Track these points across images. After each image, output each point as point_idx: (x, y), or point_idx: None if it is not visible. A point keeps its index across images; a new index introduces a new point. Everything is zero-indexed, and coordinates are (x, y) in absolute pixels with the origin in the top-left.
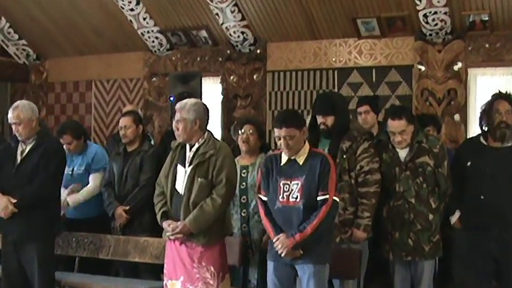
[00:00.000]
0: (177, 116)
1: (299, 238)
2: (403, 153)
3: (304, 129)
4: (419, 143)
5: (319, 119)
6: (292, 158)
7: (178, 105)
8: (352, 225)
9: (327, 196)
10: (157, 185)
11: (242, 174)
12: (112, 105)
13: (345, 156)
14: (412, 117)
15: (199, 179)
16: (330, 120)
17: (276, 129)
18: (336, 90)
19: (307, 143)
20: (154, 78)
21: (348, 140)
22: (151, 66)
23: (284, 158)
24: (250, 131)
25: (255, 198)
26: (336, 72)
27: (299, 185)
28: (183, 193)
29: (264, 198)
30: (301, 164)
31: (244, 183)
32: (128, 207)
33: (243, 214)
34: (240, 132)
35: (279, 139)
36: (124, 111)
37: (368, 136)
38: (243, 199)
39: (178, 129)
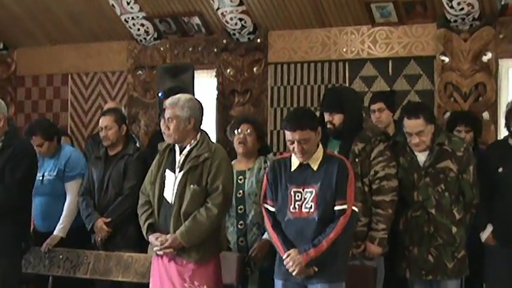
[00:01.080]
0: (168, 113)
1: (314, 254)
2: (422, 157)
3: (319, 130)
4: (440, 145)
5: (326, 117)
6: (305, 162)
7: (169, 101)
8: (365, 238)
9: (345, 206)
10: (142, 193)
11: (238, 181)
12: (91, 102)
13: (357, 159)
14: (431, 116)
15: (191, 186)
16: (337, 119)
17: (288, 132)
18: (347, 84)
19: (320, 145)
20: (139, 71)
21: (361, 142)
22: (137, 58)
23: (295, 162)
24: (248, 130)
25: (253, 208)
26: (347, 65)
27: (313, 193)
28: (172, 202)
29: (271, 209)
30: (315, 169)
31: (241, 191)
32: (109, 219)
33: (239, 226)
34: (236, 132)
35: (292, 143)
36: (105, 109)
37: (383, 137)
38: (240, 209)
39: (168, 128)
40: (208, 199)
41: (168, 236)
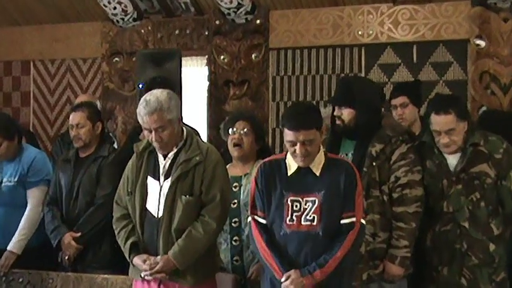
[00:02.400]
0: (155, 122)
1: (320, 276)
2: (453, 160)
3: (322, 129)
4: (474, 146)
5: (335, 112)
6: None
7: (149, 109)
8: (384, 257)
9: (354, 219)
10: (117, 204)
11: (233, 189)
12: (58, 94)
13: (374, 163)
14: (463, 111)
15: (183, 196)
16: (347, 114)
17: (289, 132)
18: (362, 74)
19: (321, 146)
20: (116, 59)
21: (379, 142)
22: (113, 42)
23: (292, 166)
24: (245, 129)
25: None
26: (363, 50)
27: (316, 203)
28: (159, 216)
29: (262, 221)
30: (317, 174)
31: (235, 201)
32: (79, 234)
33: (234, 243)
34: (230, 131)
35: (293, 144)
36: (75, 104)
37: (406, 137)
38: (234, 222)
39: (161, 138)
40: (203, 211)
41: (159, 257)
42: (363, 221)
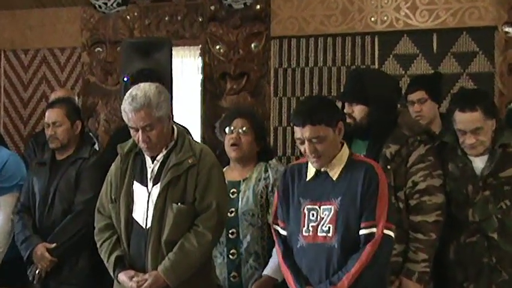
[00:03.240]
0: (142, 120)
1: None
2: (479, 163)
3: (340, 126)
4: (504, 148)
5: (345, 108)
6: (323, 170)
7: (135, 105)
8: (400, 272)
9: (374, 229)
10: (99, 213)
11: (230, 195)
12: (33, 89)
13: (389, 166)
14: (491, 108)
15: (174, 204)
16: (358, 111)
17: (296, 128)
18: (376, 66)
19: (345, 146)
20: (98, 48)
21: (395, 143)
22: (94, 30)
23: (311, 170)
24: (244, 128)
25: (249, 232)
26: (376, 39)
27: (332, 212)
28: (147, 227)
29: (282, 232)
30: (334, 178)
31: (233, 209)
32: (53, 245)
33: (231, 256)
34: (227, 130)
35: (301, 143)
36: (52, 100)
37: (425, 136)
38: (232, 233)
39: (150, 139)
40: (197, 221)
41: (147, 274)
42: (388, 232)
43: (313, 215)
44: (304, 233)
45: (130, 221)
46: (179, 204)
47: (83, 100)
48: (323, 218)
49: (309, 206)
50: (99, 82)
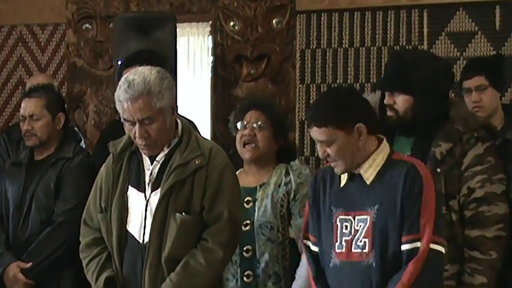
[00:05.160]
0: (141, 110)
1: None
2: None
3: (360, 129)
4: None
5: (386, 99)
6: (357, 173)
7: (133, 91)
8: None
9: (418, 243)
10: (86, 225)
11: (245, 205)
12: (7, 73)
13: (439, 169)
14: None
15: (177, 214)
16: (401, 102)
17: (309, 129)
18: (424, 46)
19: (384, 144)
20: (87, 25)
21: (446, 140)
22: (82, 3)
23: (345, 174)
24: (259, 122)
25: (268, 250)
26: (425, 14)
27: (367, 223)
28: (145, 241)
29: (314, 248)
30: (368, 182)
31: (248, 222)
32: (29, 264)
33: (246, 279)
34: (239, 125)
35: (316, 143)
36: (29, 87)
37: (484, 133)
38: (247, 251)
39: (149, 134)
40: (205, 234)
41: None
42: (436, 247)
43: (346, 227)
44: (337, 249)
45: (124, 235)
46: (183, 214)
47: (68, 88)
48: (357, 230)
49: (342, 217)
50: (88, 66)
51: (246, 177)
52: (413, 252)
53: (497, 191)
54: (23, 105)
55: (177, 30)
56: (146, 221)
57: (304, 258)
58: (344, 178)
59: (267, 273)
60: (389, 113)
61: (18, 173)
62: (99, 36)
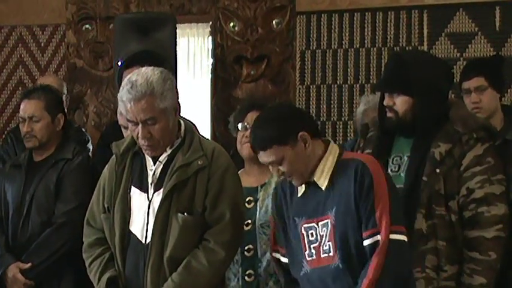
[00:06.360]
0: (144, 111)
1: None
2: None
3: (302, 135)
4: None
5: (385, 101)
6: (311, 180)
7: (137, 91)
8: None
9: (377, 237)
10: (89, 225)
11: (247, 205)
12: (7, 74)
13: (438, 170)
14: None
15: (179, 214)
16: (400, 103)
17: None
18: (424, 47)
19: (332, 146)
20: (87, 26)
21: (446, 141)
22: (82, 4)
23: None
24: None
25: (269, 249)
26: (425, 14)
27: (329, 226)
28: (147, 241)
29: (284, 260)
30: (324, 187)
31: (249, 221)
32: (29, 265)
33: (247, 278)
34: (240, 126)
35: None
36: (29, 88)
37: (483, 133)
38: (248, 250)
39: (151, 134)
40: (207, 235)
41: None
42: (397, 236)
43: (312, 234)
44: (308, 257)
45: (127, 235)
46: (186, 214)
47: (68, 89)
48: (322, 235)
49: (306, 225)
50: (88, 67)
51: (248, 178)
52: (375, 246)
53: (497, 191)
54: (22, 106)
55: (177, 31)
56: (149, 221)
57: None
58: (301, 187)
59: (269, 272)
60: (389, 114)
61: (17, 174)
62: (99, 37)
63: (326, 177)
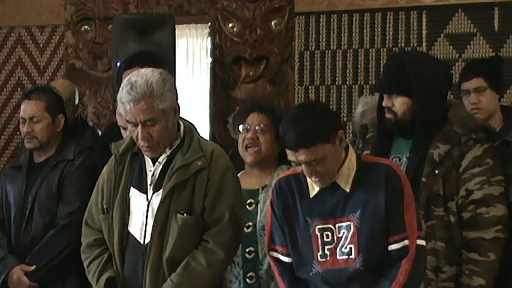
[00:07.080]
0: (143, 112)
1: None
2: None
3: (340, 134)
4: None
5: (384, 102)
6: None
7: (136, 93)
8: None
9: (406, 242)
10: (87, 226)
11: (247, 207)
12: (6, 75)
13: (437, 171)
14: None
15: (179, 215)
16: (400, 104)
17: (288, 151)
18: (423, 48)
19: (351, 149)
20: (85, 27)
21: (445, 142)
22: (81, 5)
23: (315, 186)
24: (261, 125)
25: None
26: (423, 15)
27: (351, 229)
28: (146, 242)
29: (284, 259)
30: (348, 189)
31: (250, 224)
32: (33, 268)
33: (248, 280)
34: (241, 127)
35: (297, 164)
36: (28, 89)
37: (482, 134)
38: (249, 252)
39: (151, 136)
40: (207, 236)
41: None
42: (421, 242)
43: (327, 236)
44: (320, 259)
45: (126, 235)
46: (185, 214)
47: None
48: (340, 237)
49: (321, 226)
50: (87, 67)
51: (248, 180)
52: (402, 250)
53: (496, 192)
54: (22, 107)
55: (176, 31)
56: (147, 222)
57: None
58: (313, 190)
59: (270, 274)
60: (387, 115)
61: (18, 176)
62: (97, 37)
63: (349, 180)
